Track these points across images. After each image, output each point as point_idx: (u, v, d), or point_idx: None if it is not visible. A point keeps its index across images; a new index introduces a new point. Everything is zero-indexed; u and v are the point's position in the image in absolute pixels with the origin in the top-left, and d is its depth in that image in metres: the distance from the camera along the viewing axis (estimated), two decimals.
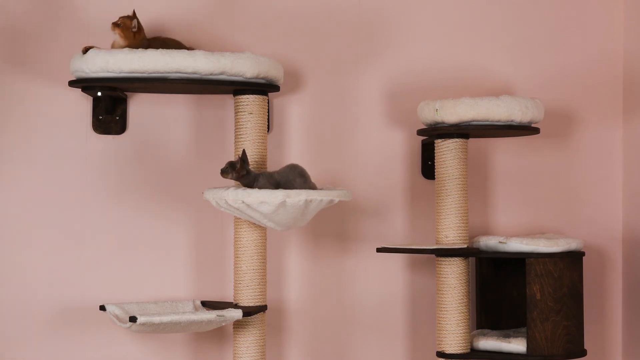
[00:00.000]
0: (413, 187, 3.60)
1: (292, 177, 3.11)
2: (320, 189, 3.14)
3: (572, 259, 3.34)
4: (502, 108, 3.29)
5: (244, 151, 3.08)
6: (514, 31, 3.69)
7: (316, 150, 3.53)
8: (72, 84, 3.13)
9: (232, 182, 3.25)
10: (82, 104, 3.35)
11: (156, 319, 2.98)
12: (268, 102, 3.30)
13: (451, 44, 3.64)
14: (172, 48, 3.19)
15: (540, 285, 3.28)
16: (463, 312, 3.35)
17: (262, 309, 3.22)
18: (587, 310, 3.61)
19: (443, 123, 3.34)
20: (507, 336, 3.39)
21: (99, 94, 3.19)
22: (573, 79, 3.72)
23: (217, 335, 3.43)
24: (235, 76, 3.13)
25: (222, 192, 3.02)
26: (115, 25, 3.15)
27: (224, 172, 3.08)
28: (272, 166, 3.35)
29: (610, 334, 3.74)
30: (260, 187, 3.07)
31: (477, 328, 3.53)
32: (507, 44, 3.68)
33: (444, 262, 3.35)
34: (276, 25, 3.52)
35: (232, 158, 3.33)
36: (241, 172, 3.07)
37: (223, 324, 3.14)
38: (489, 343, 3.36)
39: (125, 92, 3.36)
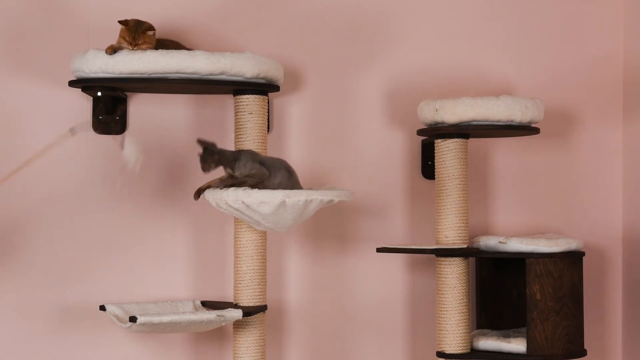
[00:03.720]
0: (413, 187, 3.60)
1: (278, 166, 3.08)
2: (319, 189, 3.13)
3: (572, 259, 3.34)
4: (502, 108, 3.29)
5: (198, 140, 3.03)
6: (514, 31, 3.69)
7: (316, 150, 3.53)
8: (72, 84, 3.13)
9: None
10: (82, 104, 3.35)
11: (156, 319, 2.98)
12: (268, 102, 3.30)
13: (451, 44, 3.64)
14: (171, 49, 3.19)
15: (540, 285, 3.28)
16: (463, 312, 3.35)
17: (262, 309, 3.22)
18: (587, 310, 3.61)
19: (443, 123, 3.34)
20: (507, 336, 3.39)
21: (99, 94, 3.19)
22: (573, 79, 3.72)
23: (217, 335, 3.43)
24: (235, 76, 3.13)
25: (222, 193, 3.02)
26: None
27: (206, 169, 3.05)
28: None
29: (610, 334, 3.73)
30: (244, 164, 3.03)
31: (477, 328, 3.53)
32: (507, 44, 3.68)
33: (444, 262, 3.35)
34: (276, 25, 3.52)
35: None
36: (213, 157, 3.01)
37: (223, 324, 3.14)
38: (489, 343, 3.36)
39: (125, 92, 3.36)
